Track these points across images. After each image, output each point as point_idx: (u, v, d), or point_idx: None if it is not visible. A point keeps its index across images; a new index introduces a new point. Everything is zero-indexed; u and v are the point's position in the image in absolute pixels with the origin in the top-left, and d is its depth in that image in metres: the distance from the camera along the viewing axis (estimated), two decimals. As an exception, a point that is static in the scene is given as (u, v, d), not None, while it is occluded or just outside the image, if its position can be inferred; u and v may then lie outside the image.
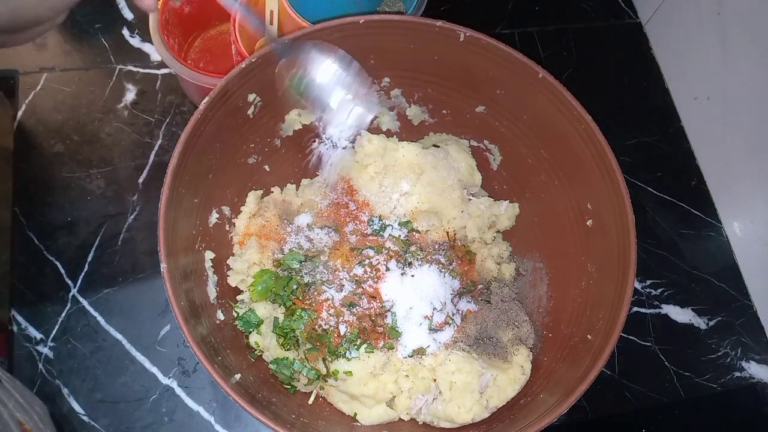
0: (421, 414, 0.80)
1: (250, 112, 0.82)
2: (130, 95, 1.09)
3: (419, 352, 0.80)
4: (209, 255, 0.81)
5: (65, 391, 0.89)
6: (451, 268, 0.87)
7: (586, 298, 0.80)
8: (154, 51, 1.12)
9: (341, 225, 0.89)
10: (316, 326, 0.80)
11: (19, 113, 1.05)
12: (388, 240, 0.87)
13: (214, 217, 0.83)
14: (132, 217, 1.01)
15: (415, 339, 0.80)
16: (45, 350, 0.91)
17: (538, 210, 0.92)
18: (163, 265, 0.67)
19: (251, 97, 0.80)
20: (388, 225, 0.88)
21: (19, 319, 0.93)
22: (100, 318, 0.94)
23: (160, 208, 0.68)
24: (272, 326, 0.80)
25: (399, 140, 0.93)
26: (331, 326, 0.80)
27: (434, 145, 0.94)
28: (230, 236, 0.88)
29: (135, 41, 1.13)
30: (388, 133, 0.97)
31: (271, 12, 0.91)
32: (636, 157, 1.19)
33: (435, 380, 0.79)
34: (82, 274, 0.96)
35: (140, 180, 1.03)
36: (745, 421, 1.03)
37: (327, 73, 0.78)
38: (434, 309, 0.82)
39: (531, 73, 0.79)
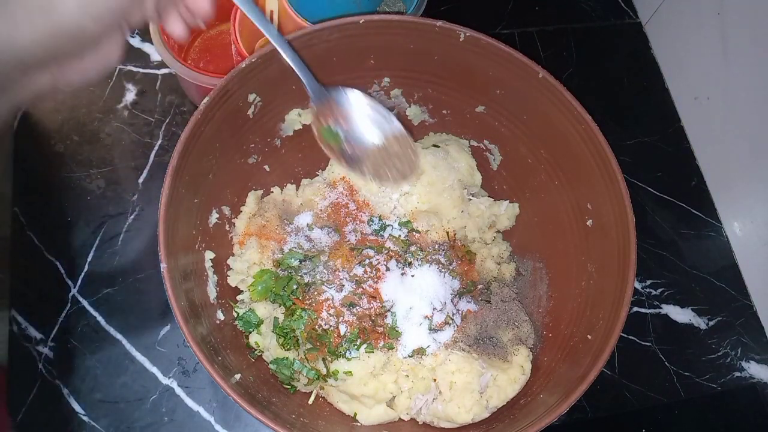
0: (421, 414, 0.80)
1: (250, 112, 0.81)
2: (130, 95, 1.09)
3: (419, 352, 0.80)
4: (209, 255, 0.81)
5: (65, 391, 0.89)
6: (451, 268, 0.87)
7: (586, 298, 0.80)
8: (154, 51, 1.12)
9: (341, 225, 0.89)
10: (316, 326, 0.80)
11: (19, 113, 1.05)
12: (388, 240, 0.87)
13: (214, 217, 0.83)
14: (132, 217, 1.01)
15: (415, 339, 0.80)
16: (45, 350, 0.91)
17: (538, 210, 0.92)
18: (163, 265, 0.67)
19: (251, 97, 0.79)
20: (388, 225, 0.88)
21: (19, 319, 0.93)
22: (100, 318, 0.94)
23: (160, 208, 0.68)
24: (272, 326, 0.80)
25: (399, 140, 0.93)
26: (331, 326, 0.79)
27: (434, 145, 0.94)
28: (230, 236, 0.87)
29: (135, 41, 1.13)
30: (388, 133, 0.97)
31: (271, 12, 0.91)
32: (636, 157, 1.19)
33: (435, 380, 0.79)
34: (82, 274, 0.96)
35: (140, 180, 1.03)
36: (745, 421, 1.03)
37: (363, 129, 0.75)
38: (434, 309, 0.82)
39: (531, 73, 0.79)
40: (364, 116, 0.75)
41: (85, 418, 0.88)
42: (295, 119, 0.89)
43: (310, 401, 0.81)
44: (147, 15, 0.57)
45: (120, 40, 0.54)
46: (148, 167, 1.04)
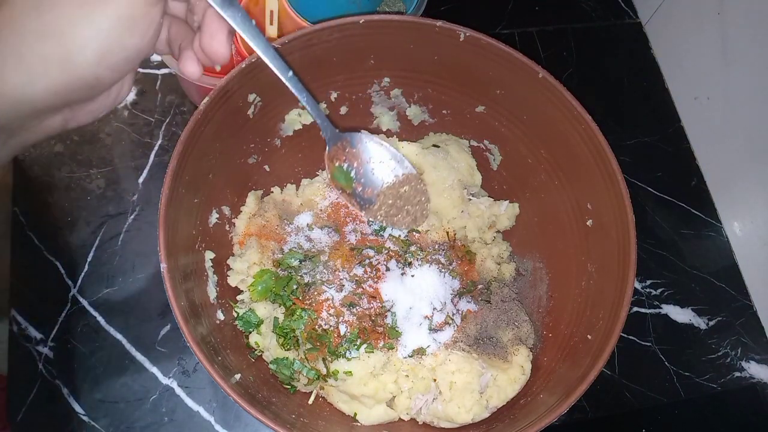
0: (421, 414, 0.80)
1: (250, 112, 0.81)
2: (130, 95, 1.09)
3: (419, 352, 0.80)
4: (209, 255, 0.81)
5: (65, 391, 0.89)
6: (451, 268, 0.87)
7: (586, 298, 0.80)
8: (154, 51, 1.12)
9: (341, 225, 0.89)
10: (316, 326, 0.80)
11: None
12: (388, 240, 0.87)
13: (214, 217, 0.83)
14: (132, 217, 1.01)
15: (415, 339, 0.80)
16: (45, 350, 0.91)
17: (538, 210, 0.92)
18: (163, 265, 0.67)
19: (251, 97, 0.79)
20: (388, 225, 0.88)
21: (19, 319, 0.93)
22: (100, 318, 0.94)
23: (160, 208, 0.68)
24: (272, 326, 0.80)
25: (399, 140, 0.93)
26: (331, 326, 0.79)
27: (434, 145, 0.94)
28: (230, 236, 0.87)
29: (135, 41, 1.13)
30: (388, 133, 0.97)
31: (272, 12, 0.91)
32: (636, 157, 1.19)
33: (435, 380, 0.79)
34: (82, 274, 0.96)
35: (140, 180, 1.03)
36: (745, 421, 1.03)
37: (375, 171, 0.77)
38: (434, 309, 0.82)
39: (531, 73, 0.79)
40: (377, 158, 0.77)
41: (85, 418, 0.88)
42: (295, 119, 0.89)
43: (310, 401, 0.81)
44: (159, 51, 0.56)
45: (131, 79, 0.54)
46: (148, 167, 1.04)
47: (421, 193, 0.79)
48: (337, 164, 0.76)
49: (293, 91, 0.65)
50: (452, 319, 0.83)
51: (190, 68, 0.56)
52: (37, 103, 0.46)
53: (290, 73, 0.65)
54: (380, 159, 0.77)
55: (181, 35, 0.56)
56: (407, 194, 0.79)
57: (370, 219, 0.80)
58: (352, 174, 0.77)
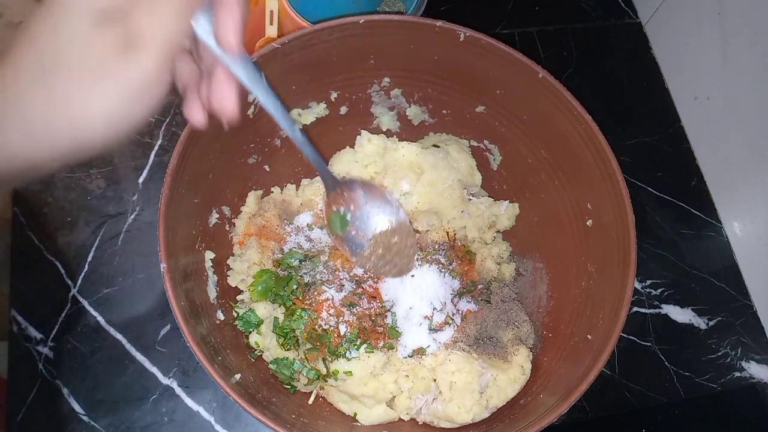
0: (421, 414, 0.80)
1: (250, 112, 0.81)
2: (130, 95, 1.09)
3: (419, 352, 0.80)
4: (209, 255, 0.81)
5: (65, 391, 0.89)
6: (451, 268, 0.87)
7: (586, 298, 0.80)
8: (154, 51, 1.12)
9: (341, 225, 0.89)
10: (316, 326, 0.80)
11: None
12: (388, 240, 0.87)
13: (214, 217, 0.83)
14: (132, 217, 1.01)
15: (415, 339, 0.81)
16: (45, 350, 0.91)
17: (538, 210, 0.92)
18: (163, 265, 0.67)
19: (251, 97, 0.79)
20: (388, 225, 0.88)
21: (19, 319, 0.93)
22: (100, 318, 0.94)
23: (160, 208, 0.68)
24: (272, 326, 0.80)
25: (399, 140, 0.93)
26: (331, 326, 0.80)
27: (434, 145, 0.94)
28: (230, 236, 0.88)
29: (135, 41, 1.13)
30: (388, 133, 0.97)
31: (272, 12, 0.91)
32: (636, 157, 1.19)
33: (435, 380, 0.79)
34: (82, 274, 0.96)
35: (140, 180, 1.03)
36: (745, 421, 1.03)
37: (371, 215, 0.78)
38: (434, 309, 0.82)
39: (531, 73, 0.79)
40: (373, 202, 0.78)
41: (85, 418, 0.88)
42: (295, 119, 0.89)
43: (310, 401, 0.81)
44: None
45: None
46: (148, 167, 1.04)
47: (410, 246, 0.80)
48: (334, 209, 0.77)
49: (299, 146, 0.66)
50: (452, 319, 0.83)
51: (196, 116, 0.54)
52: (40, 165, 0.46)
53: (298, 131, 0.65)
54: (377, 203, 0.78)
55: (186, 74, 0.55)
56: (397, 246, 0.80)
57: (358, 266, 0.81)
58: (348, 217, 0.78)
